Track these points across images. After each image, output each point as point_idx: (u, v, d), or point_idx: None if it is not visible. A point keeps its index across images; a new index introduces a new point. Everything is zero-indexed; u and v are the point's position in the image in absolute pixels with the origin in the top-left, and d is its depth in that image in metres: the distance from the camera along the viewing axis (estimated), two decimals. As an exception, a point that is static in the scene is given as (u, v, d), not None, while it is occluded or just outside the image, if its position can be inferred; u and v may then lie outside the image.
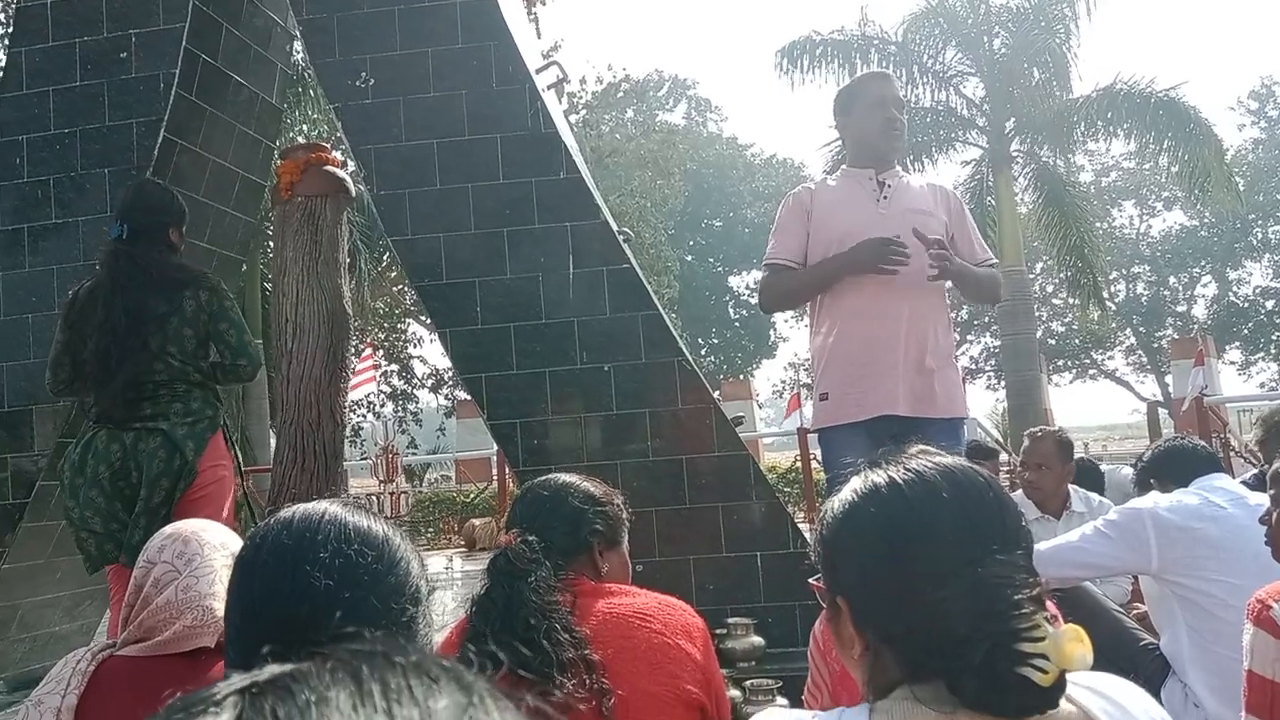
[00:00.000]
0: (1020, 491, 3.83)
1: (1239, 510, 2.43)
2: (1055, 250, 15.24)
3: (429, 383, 21.48)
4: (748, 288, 29.84)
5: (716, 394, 5.11)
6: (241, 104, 4.55)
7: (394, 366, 20.70)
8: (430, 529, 11.65)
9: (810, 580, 1.46)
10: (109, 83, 4.15)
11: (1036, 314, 21.25)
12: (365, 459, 15.42)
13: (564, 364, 3.80)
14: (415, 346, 21.08)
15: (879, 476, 1.02)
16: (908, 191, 3.16)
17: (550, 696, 1.36)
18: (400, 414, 20.47)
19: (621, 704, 1.44)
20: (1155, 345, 28.09)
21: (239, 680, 0.41)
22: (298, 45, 5.12)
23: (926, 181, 3.36)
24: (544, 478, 1.80)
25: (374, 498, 10.36)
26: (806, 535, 3.66)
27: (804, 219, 3.15)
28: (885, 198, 3.11)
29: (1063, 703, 0.92)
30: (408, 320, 20.10)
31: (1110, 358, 29.86)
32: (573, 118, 17.93)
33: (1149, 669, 2.53)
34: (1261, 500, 2.10)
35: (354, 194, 4.07)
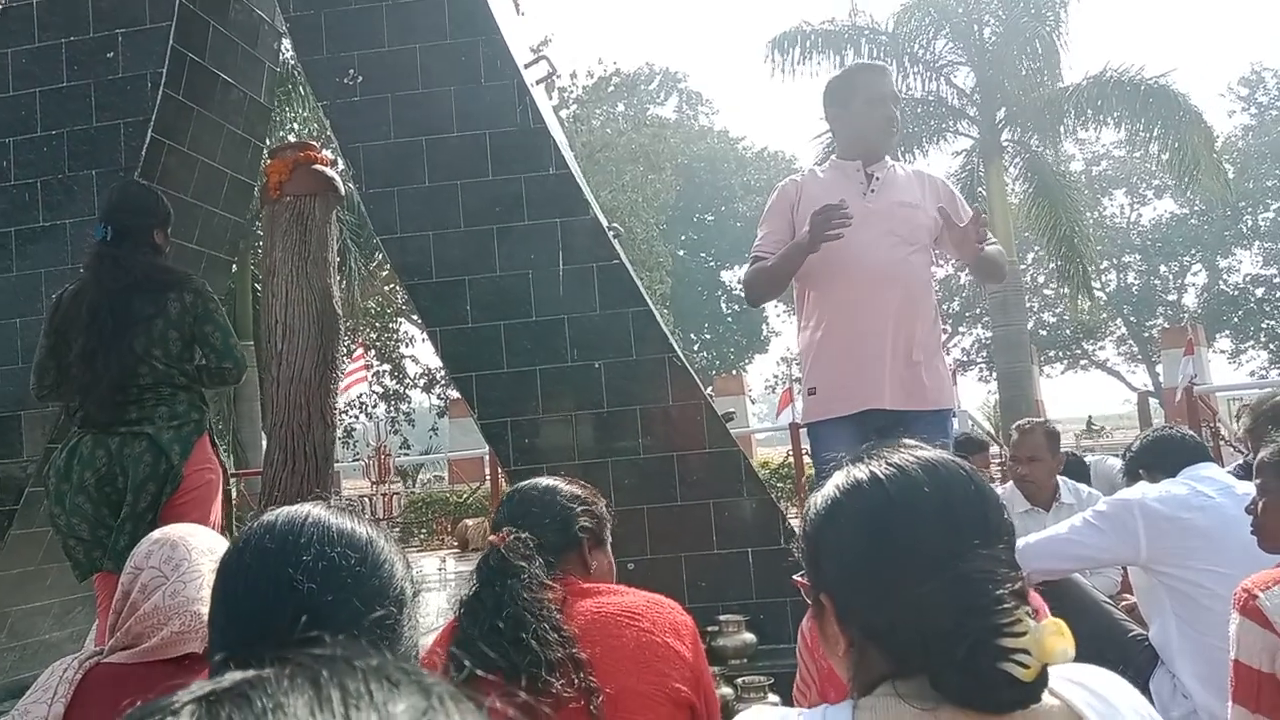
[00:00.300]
0: (1010, 484, 3.85)
1: (1227, 500, 2.43)
2: (1045, 240, 15.28)
3: (421, 382, 21.42)
4: (740, 282, 29.73)
5: (709, 389, 5.11)
6: (230, 103, 4.52)
7: (386, 366, 20.64)
8: (423, 530, 11.61)
9: (794, 577, 1.46)
10: (96, 83, 4.13)
11: (1028, 305, 21.31)
12: (358, 460, 15.41)
13: (554, 361, 3.80)
14: (407, 346, 21.02)
15: (861, 471, 1.01)
16: (895, 184, 3.15)
17: (538, 697, 1.36)
18: (393, 414, 20.41)
19: (610, 702, 1.44)
20: (1146, 335, 28.15)
21: (198, 688, 0.41)
22: (286, 43, 5.10)
23: (914, 169, 3.36)
24: (529, 480, 1.83)
25: (366, 499, 10.34)
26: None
27: (788, 211, 3.15)
28: (873, 190, 3.11)
29: (1046, 696, 0.92)
30: (399, 319, 20.04)
31: (1101, 348, 29.95)
32: (563, 112, 17.90)
33: (1138, 660, 2.54)
34: (1249, 489, 2.11)
35: (343, 193, 4.06)
